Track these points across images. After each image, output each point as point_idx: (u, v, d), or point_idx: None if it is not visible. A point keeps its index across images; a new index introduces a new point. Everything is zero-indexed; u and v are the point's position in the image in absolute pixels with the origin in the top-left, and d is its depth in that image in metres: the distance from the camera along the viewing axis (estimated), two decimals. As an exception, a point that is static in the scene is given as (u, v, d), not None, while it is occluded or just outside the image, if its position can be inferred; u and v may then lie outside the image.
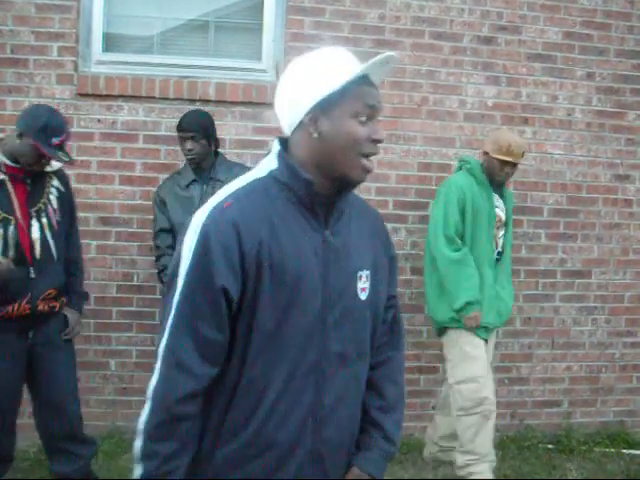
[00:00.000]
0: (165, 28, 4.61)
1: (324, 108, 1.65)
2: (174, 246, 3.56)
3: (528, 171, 4.78)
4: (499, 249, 4.04)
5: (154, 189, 4.24)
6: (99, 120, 4.34)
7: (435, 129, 4.68)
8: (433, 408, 4.76)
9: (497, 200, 4.03)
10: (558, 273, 4.91)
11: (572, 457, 4.30)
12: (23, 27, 4.25)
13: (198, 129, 3.82)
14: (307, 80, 1.69)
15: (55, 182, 3.46)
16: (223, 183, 3.82)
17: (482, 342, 3.93)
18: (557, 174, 4.82)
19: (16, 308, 3.27)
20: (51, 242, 3.37)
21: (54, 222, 3.39)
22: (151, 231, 4.09)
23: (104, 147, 4.33)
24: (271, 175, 1.71)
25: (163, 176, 4.34)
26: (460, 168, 4.09)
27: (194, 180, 3.89)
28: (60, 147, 3.27)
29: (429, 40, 4.64)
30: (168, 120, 4.38)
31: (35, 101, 4.16)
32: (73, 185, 4.08)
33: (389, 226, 4.59)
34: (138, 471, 1.64)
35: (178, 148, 4.35)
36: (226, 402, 1.67)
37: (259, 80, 4.50)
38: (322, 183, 1.69)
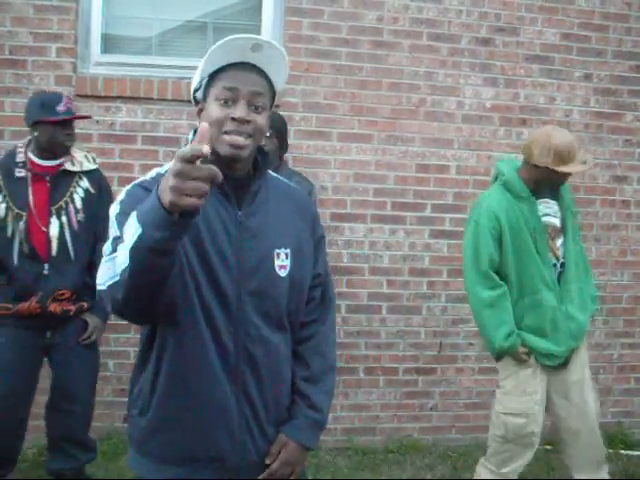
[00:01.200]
0: (163, 29, 4.62)
1: (204, 96, 1.87)
2: None
3: (526, 172, 4.78)
4: (562, 260, 3.43)
5: (152, 190, 4.24)
6: (97, 121, 4.34)
7: (433, 130, 4.69)
8: (431, 409, 4.78)
9: (547, 206, 3.44)
10: (556, 274, 4.91)
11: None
12: (21, 28, 4.25)
13: (274, 127, 3.79)
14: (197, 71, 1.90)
15: (84, 183, 3.48)
16: None
17: (539, 375, 3.43)
18: (555, 175, 4.83)
19: (27, 306, 3.30)
20: (69, 241, 3.39)
21: (74, 222, 3.41)
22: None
23: (102, 148, 4.33)
24: None
25: (161, 177, 4.35)
26: (496, 178, 3.55)
27: None
28: (69, 111, 3.41)
29: (427, 41, 4.65)
30: (166, 121, 4.39)
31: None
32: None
33: (386, 227, 4.63)
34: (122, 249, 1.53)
35: (176, 149, 4.34)
36: (156, 362, 1.86)
37: (257, 81, 4.50)
38: (218, 165, 1.55)
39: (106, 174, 4.28)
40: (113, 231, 1.70)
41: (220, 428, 1.84)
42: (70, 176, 3.45)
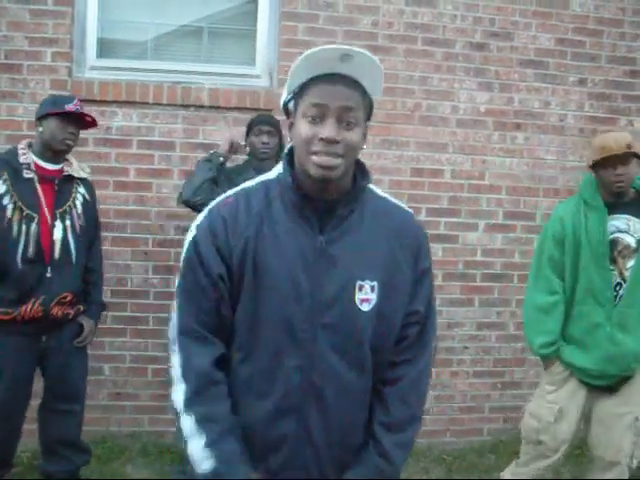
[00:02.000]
0: (159, 34, 4.63)
1: (293, 112, 1.77)
2: None
3: (520, 177, 4.80)
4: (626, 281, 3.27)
5: (147, 194, 4.26)
6: (93, 125, 4.35)
7: (428, 135, 4.70)
8: (425, 413, 4.77)
9: (626, 223, 3.29)
10: (550, 278, 4.92)
11: (565, 461, 4.28)
12: (17, 33, 4.25)
13: (277, 125, 3.85)
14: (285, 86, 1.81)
15: (81, 189, 3.53)
16: None
17: (575, 392, 3.39)
18: (550, 179, 4.84)
19: (29, 309, 3.29)
20: (72, 244, 3.41)
21: (77, 226, 3.44)
22: (144, 236, 4.11)
23: (98, 152, 4.33)
24: (277, 177, 1.83)
25: (157, 181, 4.35)
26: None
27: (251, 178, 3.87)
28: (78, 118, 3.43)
29: (422, 46, 4.66)
30: (162, 125, 4.40)
31: (29, 107, 4.18)
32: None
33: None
34: (199, 443, 1.69)
35: (171, 153, 4.38)
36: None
37: (252, 86, 4.52)
38: (310, 185, 1.74)
39: (102, 178, 4.31)
40: (178, 296, 1.80)
41: (276, 464, 1.77)
42: (71, 181, 3.48)
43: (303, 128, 1.69)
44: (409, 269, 1.82)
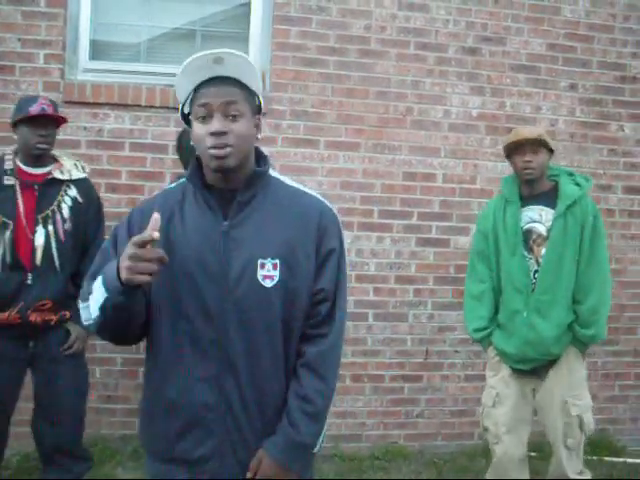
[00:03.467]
0: (152, 36, 4.63)
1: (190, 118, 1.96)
2: None
3: (512, 181, 4.82)
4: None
5: (140, 197, 4.25)
6: (85, 128, 4.34)
7: (420, 139, 4.72)
8: (417, 416, 4.79)
9: (539, 213, 3.44)
10: (541, 282, 4.94)
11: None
12: (9, 34, 4.25)
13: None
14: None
15: (72, 191, 3.44)
16: None
17: (508, 378, 3.52)
18: (540, 184, 4.86)
19: (7, 316, 3.26)
20: (54, 251, 3.34)
21: (60, 231, 3.36)
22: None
23: (90, 155, 4.33)
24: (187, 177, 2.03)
25: (149, 184, 4.35)
26: None
27: None
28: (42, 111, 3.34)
29: (414, 50, 4.68)
30: (154, 128, 4.40)
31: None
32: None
33: (373, 235, 4.65)
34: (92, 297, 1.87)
35: (164, 156, 4.38)
36: (149, 368, 2.01)
37: (245, 89, 4.52)
38: (214, 177, 1.94)
39: (94, 181, 4.27)
40: (97, 260, 1.99)
41: (198, 434, 1.91)
42: (58, 184, 3.40)
43: (196, 129, 1.88)
44: (312, 249, 1.96)
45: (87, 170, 3.57)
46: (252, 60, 4.59)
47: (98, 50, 4.51)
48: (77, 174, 3.47)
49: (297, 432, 1.92)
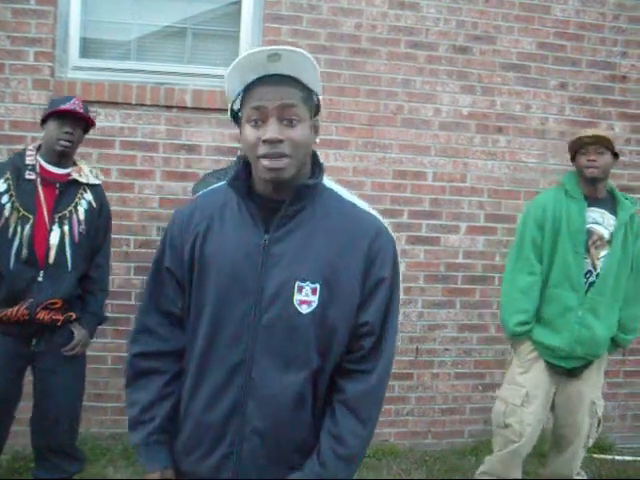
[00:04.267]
0: (142, 34, 4.62)
1: (240, 118, 1.79)
2: None
3: (502, 179, 4.83)
4: (598, 271, 3.45)
5: (130, 195, 4.25)
6: (75, 126, 4.33)
7: (410, 137, 4.72)
8: (407, 414, 4.80)
9: (602, 216, 3.51)
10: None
11: (545, 462, 4.31)
12: (-1, 32, 4.24)
13: None
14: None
15: (88, 195, 3.46)
16: None
17: (542, 376, 3.55)
18: (531, 182, 4.87)
19: (15, 311, 3.26)
20: (68, 250, 3.35)
21: (75, 232, 3.38)
22: (126, 237, 4.10)
23: (80, 153, 4.27)
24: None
25: (139, 182, 4.35)
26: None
27: None
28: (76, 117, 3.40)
29: (405, 49, 4.68)
30: (144, 126, 4.39)
31: (10, 106, 4.20)
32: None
33: (365, 233, 4.64)
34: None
35: (154, 154, 4.37)
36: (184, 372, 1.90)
37: (236, 87, 4.51)
38: (264, 187, 1.77)
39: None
40: (152, 280, 1.92)
41: (211, 455, 1.80)
42: (77, 187, 3.43)
43: (248, 133, 1.71)
44: (359, 276, 1.76)
45: (101, 178, 3.60)
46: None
47: (88, 48, 4.50)
48: (93, 180, 3.50)
49: (325, 472, 1.75)
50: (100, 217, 3.54)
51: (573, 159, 3.60)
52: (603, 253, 3.45)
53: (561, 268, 3.45)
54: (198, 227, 1.82)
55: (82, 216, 3.41)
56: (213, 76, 4.50)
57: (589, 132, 3.55)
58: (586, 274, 3.44)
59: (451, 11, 4.73)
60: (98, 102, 4.34)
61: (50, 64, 4.31)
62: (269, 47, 1.67)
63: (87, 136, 4.30)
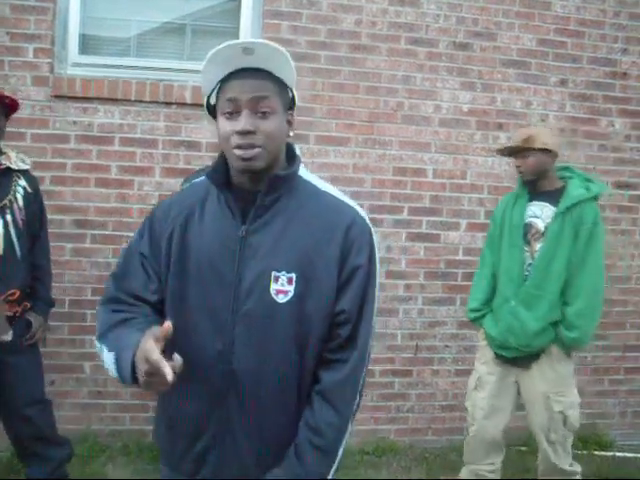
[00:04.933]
0: (142, 31, 4.61)
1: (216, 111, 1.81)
2: None
3: (502, 176, 4.82)
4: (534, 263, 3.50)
5: (129, 192, 4.24)
6: (75, 122, 4.32)
7: (410, 134, 4.71)
8: (407, 411, 4.80)
9: (541, 209, 3.52)
10: (531, 277, 4.96)
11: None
12: (-2, 28, 4.22)
13: None
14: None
15: (22, 182, 3.44)
16: None
17: (492, 357, 3.65)
18: (531, 179, 4.87)
19: None
20: (15, 240, 3.34)
21: (19, 220, 3.37)
22: (126, 234, 4.10)
23: (79, 149, 4.31)
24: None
25: (139, 179, 4.34)
26: None
27: None
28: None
29: (405, 45, 4.67)
30: (144, 123, 4.38)
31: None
32: (48, 187, 4.08)
33: (364, 230, 4.63)
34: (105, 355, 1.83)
35: (153, 151, 4.37)
36: None
37: (236, 84, 4.50)
38: (239, 178, 1.80)
39: (83, 175, 4.30)
40: (124, 261, 1.95)
41: (194, 447, 1.81)
42: (10, 175, 3.40)
43: (222, 125, 1.73)
44: (336, 265, 1.76)
45: (28, 162, 3.54)
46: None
47: (87, 44, 4.49)
48: (23, 165, 3.47)
49: (302, 465, 1.74)
50: (36, 201, 3.52)
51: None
52: (538, 246, 3.49)
53: (504, 261, 3.60)
54: (175, 220, 1.85)
55: (21, 203, 3.39)
56: (213, 72, 4.49)
57: (514, 137, 3.64)
58: (528, 267, 3.52)
59: (451, 7, 4.72)
60: (97, 99, 4.34)
61: (49, 60, 4.30)
62: (242, 40, 1.71)
63: (87, 133, 4.32)
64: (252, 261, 1.75)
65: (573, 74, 4.92)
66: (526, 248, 3.52)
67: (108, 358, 1.76)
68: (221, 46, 1.69)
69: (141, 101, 4.39)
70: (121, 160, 4.39)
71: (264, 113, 1.70)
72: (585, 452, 4.71)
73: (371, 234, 1.83)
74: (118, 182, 4.37)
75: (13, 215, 3.35)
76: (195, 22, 4.64)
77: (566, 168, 3.67)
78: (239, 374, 1.74)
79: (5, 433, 3.57)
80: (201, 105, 4.50)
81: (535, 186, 3.56)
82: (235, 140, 1.70)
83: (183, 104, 4.41)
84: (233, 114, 1.71)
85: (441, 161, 4.77)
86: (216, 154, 4.44)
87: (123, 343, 1.71)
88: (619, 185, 5.06)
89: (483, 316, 3.70)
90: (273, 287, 1.73)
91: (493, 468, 3.72)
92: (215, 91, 1.79)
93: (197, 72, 4.66)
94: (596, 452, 4.78)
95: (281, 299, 1.73)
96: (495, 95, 4.82)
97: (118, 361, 1.70)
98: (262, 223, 1.77)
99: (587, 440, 4.86)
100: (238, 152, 1.70)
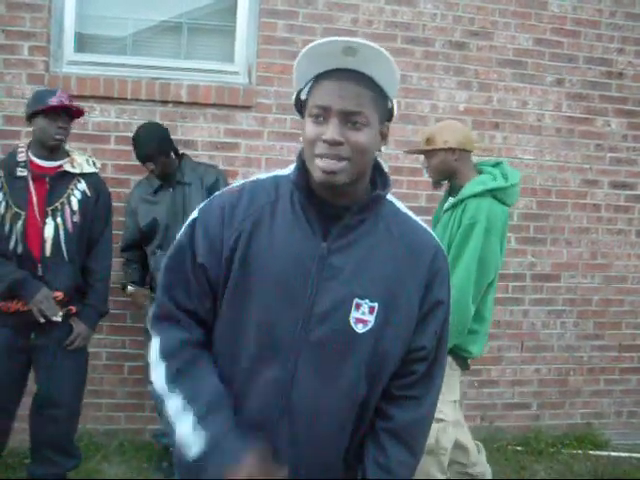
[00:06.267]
0: (138, 29, 4.59)
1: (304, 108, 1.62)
2: (140, 259, 3.61)
3: (498, 175, 4.82)
4: None
5: (126, 191, 4.23)
6: (70, 121, 4.31)
7: (407, 133, 4.70)
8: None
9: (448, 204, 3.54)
10: (527, 277, 4.96)
11: (540, 458, 4.34)
12: (-7, 26, 4.21)
13: (153, 155, 3.92)
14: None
15: (82, 185, 3.46)
16: (190, 185, 3.88)
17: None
18: (527, 179, 4.86)
19: (15, 306, 3.30)
20: (63, 243, 3.36)
21: (69, 223, 3.38)
22: (122, 232, 4.09)
23: (75, 148, 4.29)
24: (289, 175, 1.69)
25: (135, 178, 4.33)
26: None
27: (161, 185, 3.95)
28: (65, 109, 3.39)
29: (401, 44, 4.67)
30: (140, 121, 4.35)
31: (5, 101, 4.19)
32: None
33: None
34: (186, 425, 1.56)
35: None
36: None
37: (231, 82, 4.50)
38: (318, 188, 1.61)
39: (79, 174, 4.25)
40: (168, 271, 1.69)
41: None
42: (69, 178, 3.43)
43: (308, 128, 1.56)
44: (417, 297, 1.63)
45: (98, 166, 3.60)
46: (238, 53, 4.58)
47: (83, 42, 4.47)
48: (88, 168, 3.50)
49: None
50: (97, 205, 3.53)
51: None
52: None
53: None
54: (245, 222, 1.63)
55: (76, 206, 3.41)
56: (209, 71, 4.49)
57: (419, 136, 3.65)
58: None
59: (448, 7, 4.71)
60: (93, 97, 4.33)
61: (45, 59, 4.28)
62: (346, 38, 1.51)
63: (82, 131, 4.31)
64: (332, 283, 1.58)
65: (569, 74, 4.92)
66: None
67: (186, 422, 1.55)
68: (321, 40, 1.51)
69: (137, 99, 4.38)
70: (117, 159, 4.38)
71: (355, 123, 1.53)
72: (580, 451, 4.71)
73: (449, 266, 1.74)
74: (114, 181, 4.35)
75: (64, 218, 3.37)
76: (191, 20, 4.62)
77: (498, 164, 3.52)
78: (296, 404, 1.59)
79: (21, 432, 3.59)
80: (197, 103, 4.52)
81: (450, 185, 3.56)
82: (320, 148, 1.52)
83: (179, 103, 4.40)
84: (321, 118, 1.53)
85: (437, 160, 4.76)
86: (212, 153, 4.43)
87: (219, 427, 1.54)
88: (615, 185, 5.06)
89: None
90: (353, 315, 1.57)
91: None
92: (307, 87, 1.59)
93: (193, 70, 4.66)
94: (591, 451, 4.78)
95: (360, 329, 1.58)
96: (491, 94, 4.82)
97: (209, 444, 1.52)
98: (346, 243, 1.60)
99: (582, 439, 4.86)
100: (321, 163, 1.52)
